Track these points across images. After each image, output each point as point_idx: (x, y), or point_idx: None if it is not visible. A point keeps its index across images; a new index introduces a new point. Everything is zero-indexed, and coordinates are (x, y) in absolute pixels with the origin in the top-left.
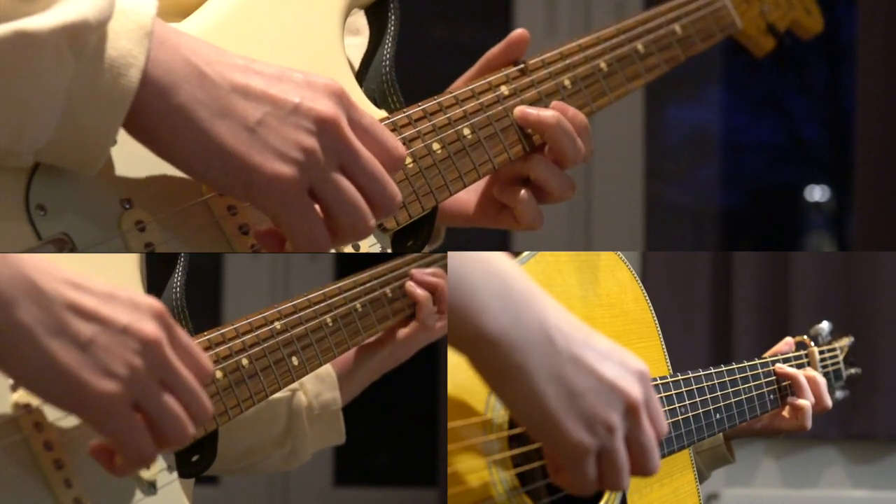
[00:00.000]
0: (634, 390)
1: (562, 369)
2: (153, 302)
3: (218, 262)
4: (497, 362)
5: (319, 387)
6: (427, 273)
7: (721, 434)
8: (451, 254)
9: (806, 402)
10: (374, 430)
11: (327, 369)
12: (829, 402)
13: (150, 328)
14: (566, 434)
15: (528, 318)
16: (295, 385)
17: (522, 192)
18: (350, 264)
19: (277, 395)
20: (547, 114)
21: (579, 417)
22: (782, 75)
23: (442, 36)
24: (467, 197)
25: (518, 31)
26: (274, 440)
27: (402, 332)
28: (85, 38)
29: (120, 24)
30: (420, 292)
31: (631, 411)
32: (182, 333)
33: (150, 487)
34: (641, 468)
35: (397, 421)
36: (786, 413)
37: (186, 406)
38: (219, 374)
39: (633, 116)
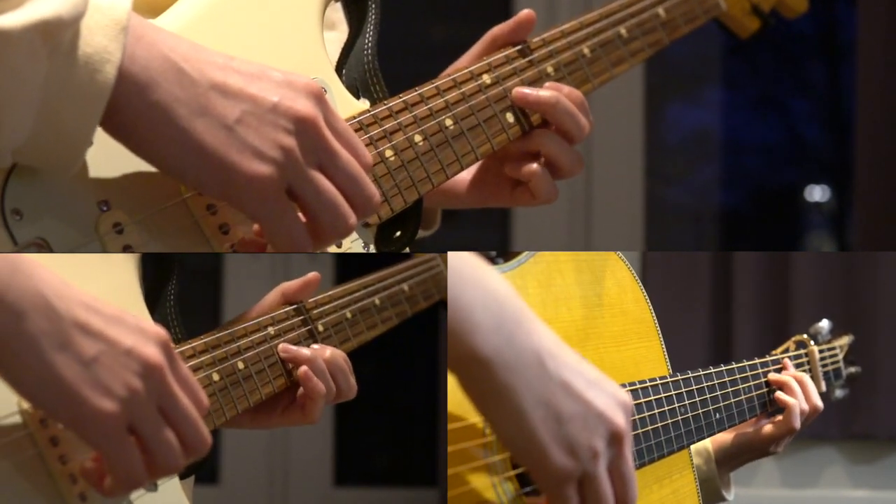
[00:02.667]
0: (620, 420)
1: (551, 394)
2: (159, 330)
3: (218, 262)
4: (487, 383)
5: None
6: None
7: (716, 467)
8: (451, 254)
9: (791, 400)
10: (374, 430)
11: None
12: (818, 400)
13: (152, 353)
14: (549, 459)
15: (522, 341)
16: None
17: (535, 165)
18: (351, 264)
19: None
20: (546, 94)
21: (563, 443)
22: (782, 75)
23: (442, 36)
24: (473, 177)
25: (526, 12)
26: None
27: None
28: (59, 34)
29: (94, 21)
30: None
31: (615, 440)
32: (182, 365)
33: (152, 484)
34: (622, 498)
35: (397, 421)
36: (770, 427)
37: (182, 435)
38: (216, 377)
39: (633, 116)
